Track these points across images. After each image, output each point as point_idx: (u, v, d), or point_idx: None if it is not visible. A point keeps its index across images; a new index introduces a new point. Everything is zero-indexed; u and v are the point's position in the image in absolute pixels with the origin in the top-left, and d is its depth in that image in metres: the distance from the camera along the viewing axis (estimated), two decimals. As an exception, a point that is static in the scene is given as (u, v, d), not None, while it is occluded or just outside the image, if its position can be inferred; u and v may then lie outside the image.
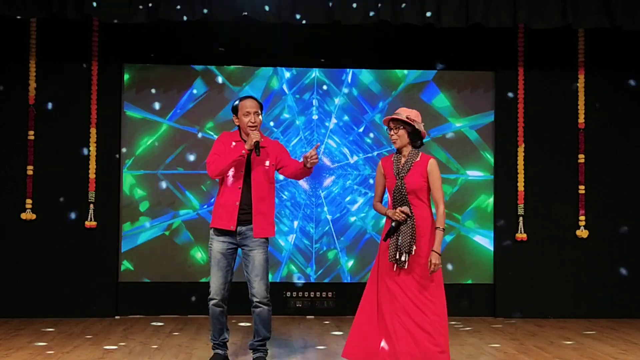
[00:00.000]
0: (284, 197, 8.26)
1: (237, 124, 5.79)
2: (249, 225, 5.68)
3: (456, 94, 8.40)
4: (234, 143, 5.72)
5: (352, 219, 8.32)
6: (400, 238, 5.08)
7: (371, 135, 8.34)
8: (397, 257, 5.08)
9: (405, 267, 5.07)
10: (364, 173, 8.33)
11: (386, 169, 5.29)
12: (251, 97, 5.82)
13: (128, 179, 8.13)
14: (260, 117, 5.74)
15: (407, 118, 5.19)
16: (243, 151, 5.58)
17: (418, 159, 5.19)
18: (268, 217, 5.74)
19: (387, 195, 5.38)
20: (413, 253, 5.07)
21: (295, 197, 8.29)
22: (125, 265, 8.08)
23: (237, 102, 5.80)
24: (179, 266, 8.15)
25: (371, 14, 7.22)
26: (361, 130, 8.35)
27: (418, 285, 5.10)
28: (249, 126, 5.66)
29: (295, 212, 8.30)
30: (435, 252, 5.05)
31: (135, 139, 8.17)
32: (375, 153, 8.33)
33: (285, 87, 8.33)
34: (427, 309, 5.07)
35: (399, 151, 5.26)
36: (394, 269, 5.12)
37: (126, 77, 8.20)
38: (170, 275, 8.13)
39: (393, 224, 5.12)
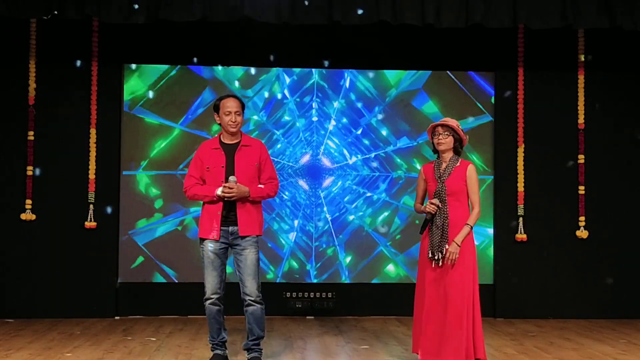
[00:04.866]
0: (285, 197, 8.27)
1: (219, 122, 5.81)
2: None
3: (456, 95, 8.39)
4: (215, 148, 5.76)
5: (351, 217, 8.33)
6: (432, 238, 5.45)
7: (369, 136, 8.35)
8: (431, 255, 5.46)
9: (440, 264, 5.44)
10: (362, 173, 8.33)
11: (427, 174, 5.67)
12: (232, 96, 5.85)
13: (127, 178, 8.16)
14: (240, 116, 5.75)
15: (456, 127, 5.58)
16: (214, 197, 5.63)
17: (458, 164, 5.58)
18: (253, 215, 5.71)
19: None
20: (443, 252, 5.41)
21: (295, 197, 8.29)
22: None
23: (218, 101, 5.82)
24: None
25: (371, 14, 7.21)
26: (359, 132, 8.36)
27: (456, 281, 5.41)
28: (229, 125, 5.70)
29: (296, 211, 8.30)
30: (455, 242, 5.43)
31: (135, 139, 8.18)
32: (372, 154, 8.33)
33: (286, 90, 8.32)
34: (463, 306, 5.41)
35: (439, 156, 5.62)
36: (432, 265, 5.49)
37: (126, 77, 8.21)
38: (171, 275, 8.14)
39: (427, 216, 5.49)
